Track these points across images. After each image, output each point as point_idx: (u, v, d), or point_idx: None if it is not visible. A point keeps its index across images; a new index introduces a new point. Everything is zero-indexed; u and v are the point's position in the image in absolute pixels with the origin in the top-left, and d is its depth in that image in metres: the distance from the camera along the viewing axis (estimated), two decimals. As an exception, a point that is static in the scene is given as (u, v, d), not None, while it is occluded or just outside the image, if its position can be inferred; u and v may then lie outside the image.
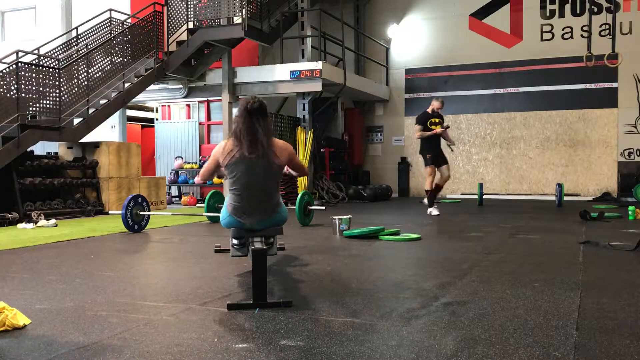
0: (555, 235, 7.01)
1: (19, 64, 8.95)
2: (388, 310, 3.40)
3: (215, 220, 8.26)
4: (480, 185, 12.85)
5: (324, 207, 9.46)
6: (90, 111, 10.45)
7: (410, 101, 16.21)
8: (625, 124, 14.25)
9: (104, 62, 10.87)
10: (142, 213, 7.68)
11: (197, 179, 4.36)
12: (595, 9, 14.04)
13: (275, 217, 4.11)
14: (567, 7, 14.74)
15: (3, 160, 8.74)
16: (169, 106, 14.79)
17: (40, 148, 11.78)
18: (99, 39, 11.68)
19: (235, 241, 4.27)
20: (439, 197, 15.35)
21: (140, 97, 12.72)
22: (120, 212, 7.69)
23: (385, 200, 14.23)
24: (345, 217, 7.13)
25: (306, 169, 4.47)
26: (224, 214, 4.18)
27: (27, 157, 9.54)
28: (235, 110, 12.76)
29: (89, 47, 10.70)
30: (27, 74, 9.14)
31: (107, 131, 13.18)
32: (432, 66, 15.95)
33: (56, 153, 11.15)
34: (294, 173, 4.50)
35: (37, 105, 9.45)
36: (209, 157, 4.93)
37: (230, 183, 3.99)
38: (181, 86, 13.64)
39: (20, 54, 9.37)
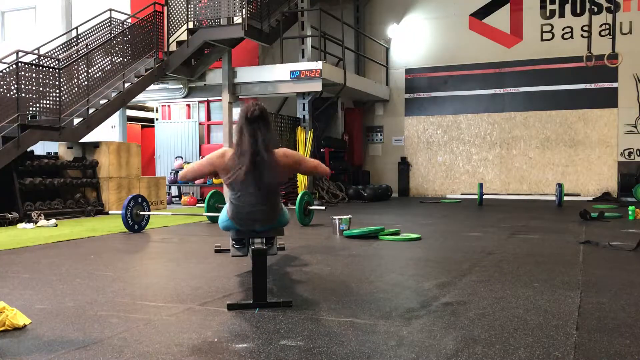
0: (555, 235, 7.01)
1: (19, 64, 8.95)
2: (388, 310, 3.40)
3: (215, 220, 8.25)
4: (480, 185, 12.85)
5: (324, 207, 9.46)
6: (90, 111, 10.44)
7: (410, 101, 16.21)
8: (625, 124, 14.25)
9: (104, 62, 10.86)
10: (142, 213, 7.68)
11: (180, 175, 4.20)
12: (595, 9, 14.04)
13: (276, 222, 4.10)
14: (567, 7, 14.73)
15: (3, 160, 8.74)
16: (169, 106, 14.80)
17: (40, 148, 11.77)
18: (99, 39, 11.68)
19: (235, 241, 4.26)
20: (438, 197, 15.41)
21: (140, 97, 12.72)
22: (120, 212, 7.69)
23: (385, 200, 14.22)
24: (345, 217, 7.12)
25: (321, 167, 4.17)
26: (223, 217, 4.17)
27: (27, 157, 9.53)
28: (235, 111, 12.87)
29: (89, 47, 10.70)
30: (27, 74, 9.13)
31: (107, 131, 13.18)
32: (432, 66, 15.95)
33: (56, 153, 11.14)
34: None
35: (37, 105, 9.44)
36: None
37: (231, 195, 3.95)
38: (181, 86, 13.63)
39: (20, 54, 9.37)
